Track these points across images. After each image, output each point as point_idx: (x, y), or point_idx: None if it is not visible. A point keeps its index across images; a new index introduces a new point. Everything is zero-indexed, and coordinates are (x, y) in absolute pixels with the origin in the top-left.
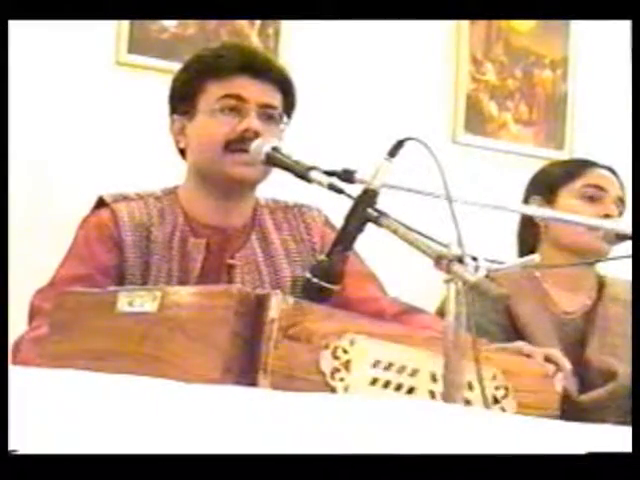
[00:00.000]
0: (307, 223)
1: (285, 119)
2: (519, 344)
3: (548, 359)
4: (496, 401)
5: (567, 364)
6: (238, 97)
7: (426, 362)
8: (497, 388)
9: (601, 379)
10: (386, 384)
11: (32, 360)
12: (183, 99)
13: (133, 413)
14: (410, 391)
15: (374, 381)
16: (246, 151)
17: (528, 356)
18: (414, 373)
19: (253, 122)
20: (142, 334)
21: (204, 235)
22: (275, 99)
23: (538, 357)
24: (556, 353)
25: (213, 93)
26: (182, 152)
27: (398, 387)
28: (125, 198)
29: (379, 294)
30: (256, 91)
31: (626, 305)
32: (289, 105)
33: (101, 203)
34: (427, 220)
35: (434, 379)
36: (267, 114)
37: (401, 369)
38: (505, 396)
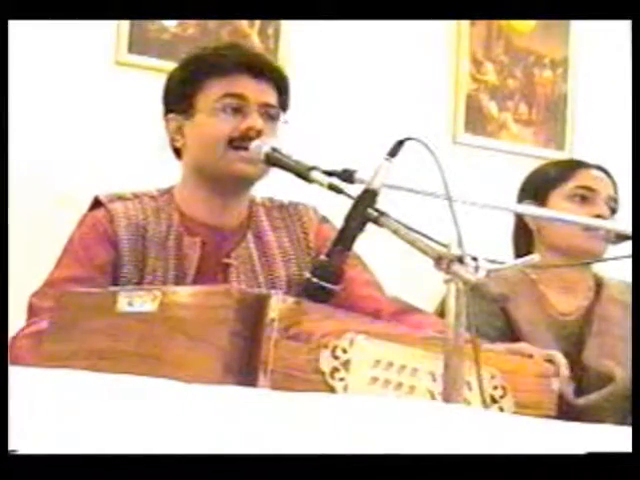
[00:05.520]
0: (303, 222)
1: (281, 117)
2: (522, 345)
3: (549, 361)
4: (494, 401)
5: (565, 370)
6: (240, 96)
7: (425, 361)
8: (495, 388)
9: (598, 382)
10: (386, 384)
11: (28, 354)
12: (181, 97)
13: (133, 413)
14: (410, 391)
15: (374, 381)
16: (247, 149)
17: (530, 357)
18: (414, 373)
19: (256, 121)
20: (142, 334)
21: (199, 234)
22: (273, 98)
23: (539, 359)
24: (557, 356)
25: (213, 92)
26: (176, 151)
27: (398, 387)
28: (120, 198)
29: (377, 293)
30: (256, 90)
31: (624, 306)
32: (284, 104)
33: (97, 203)
34: (427, 220)
35: (433, 378)
36: (267, 113)
37: (401, 369)
38: (503, 396)
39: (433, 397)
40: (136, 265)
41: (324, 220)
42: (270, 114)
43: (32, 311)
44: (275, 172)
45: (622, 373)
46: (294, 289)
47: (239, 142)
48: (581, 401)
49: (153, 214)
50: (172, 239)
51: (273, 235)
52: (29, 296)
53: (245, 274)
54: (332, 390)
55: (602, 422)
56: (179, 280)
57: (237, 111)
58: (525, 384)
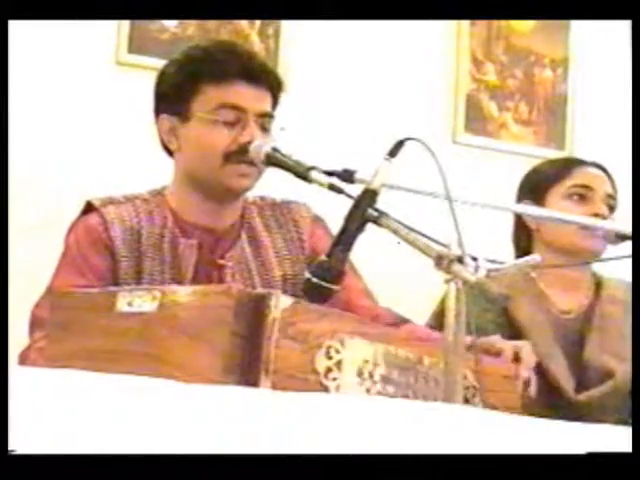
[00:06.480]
0: (296, 220)
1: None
2: (493, 338)
3: (517, 352)
4: (466, 400)
5: (532, 359)
6: (237, 107)
7: (411, 363)
8: (467, 388)
9: (599, 378)
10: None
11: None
12: (176, 100)
13: (133, 413)
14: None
15: (363, 381)
16: (245, 162)
17: (499, 352)
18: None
19: (255, 134)
20: (142, 334)
21: (194, 236)
22: (269, 103)
23: (509, 351)
24: (525, 347)
25: (210, 98)
26: (168, 149)
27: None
28: (113, 202)
29: (373, 303)
30: (253, 99)
31: (623, 305)
32: (276, 105)
33: (89, 208)
34: (427, 220)
35: (416, 379)
36: (265, 123)
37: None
38: (474, 395)
39: (416, 398)
40: (133, 269)
41: (317, 218)
42: (266, 123)
43: (35, 322)
44: (273, 171)
45: (622, 370)
46: (289, 288)
47: (237, 156)
48: (582, 397)
49: (146, 217)
50: (167, 242)
51: (267, 235)
52: (32, 307)
53: (240, 274)
54: (326, 390)
55: (602, 419)
56: (176, 283)
57: (235, 122)
58: (492, 384)
